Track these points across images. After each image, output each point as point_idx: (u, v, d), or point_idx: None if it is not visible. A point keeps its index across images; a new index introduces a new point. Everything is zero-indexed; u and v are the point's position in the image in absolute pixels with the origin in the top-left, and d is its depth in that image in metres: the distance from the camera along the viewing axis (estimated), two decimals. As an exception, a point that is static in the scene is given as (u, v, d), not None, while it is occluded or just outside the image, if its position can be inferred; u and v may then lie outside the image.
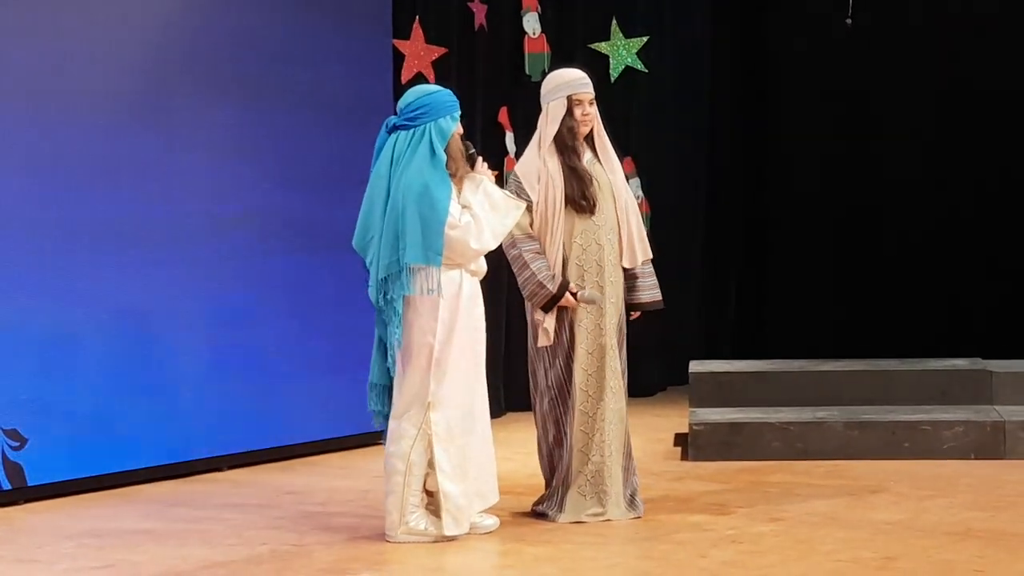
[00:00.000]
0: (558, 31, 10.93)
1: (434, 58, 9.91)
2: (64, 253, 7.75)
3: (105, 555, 6.45)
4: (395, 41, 9.65)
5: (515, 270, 6.97)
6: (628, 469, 7.06)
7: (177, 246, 8.26)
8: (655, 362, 11.42)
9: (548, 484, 7.08)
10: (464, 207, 6.59)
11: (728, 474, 8.15)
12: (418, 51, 9.84)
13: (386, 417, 6.71)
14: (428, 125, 6.60)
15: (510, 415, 10.28)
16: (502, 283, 9.63)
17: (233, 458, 8.55)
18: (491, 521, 6.80)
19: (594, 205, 6.96)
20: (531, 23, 10.68)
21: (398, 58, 9.70)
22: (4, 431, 7.52)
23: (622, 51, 11.19)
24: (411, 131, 6.60)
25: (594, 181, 6.99)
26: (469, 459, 6.62)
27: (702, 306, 12.25)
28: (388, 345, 6.61)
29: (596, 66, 10.05)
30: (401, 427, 6.58)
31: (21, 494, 7.58)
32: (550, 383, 6.99)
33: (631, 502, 7.04)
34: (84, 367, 7.84)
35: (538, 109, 7.10)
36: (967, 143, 11.96)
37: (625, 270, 7.09)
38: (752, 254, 12.61)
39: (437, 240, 6.47)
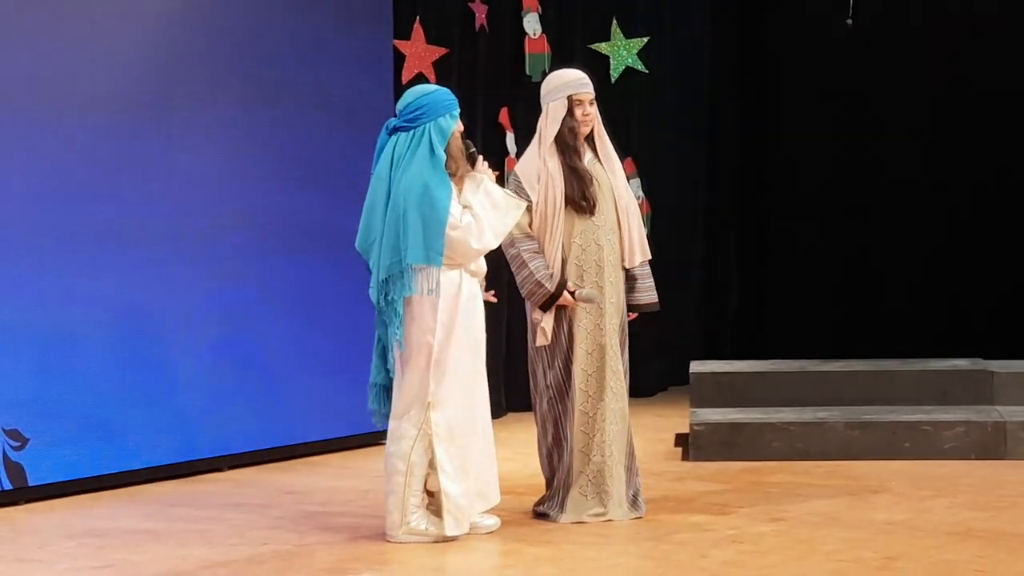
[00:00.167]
0: (559, 31, 10.92)
1: (435, 58, 9.92)
2: (65, 253, 7.75)
3: (106, 555, 6.45)
4: (396, 41, 9.65)
5: (513, 269, 6.98)
6: (631, 469, 7.06)
7: (178, 246, 8.26)
8: (655, 362, 11.42)
9: (548, 484, 7.08)
10: (465, 207, 6.59)
11: (729, 474, 8.15)
12: (419, 51, 9.84)
13: (386, 416, 6.71)
14: (427, 125, 6.60)
15: (511, 415, 10.28)
16: (503, 283, 9.62)
17: (234, 458, 8.55)
18: (492, 521, 6.80)
19: (594, 205, 6.96)
20: (532, 23, 10.68)
21: (399, 58, 9.70)
22: (5, 431, 7.52)
23: (622, 51, 11.19)
24: (411, 132, 6.61)
25: (594, 181, 6.99)
26: (470, 459, 6.62)
27: (702, 306, 12.24)
28: (388, 345, 6.61)
29: (596, 66, 10.05)
30: (402, 427, 6.58)
31: (22, 494, 7.58)
32: (549, 383, 6.99)
33: (633, 502, 7.04)
34: (85, 367, 7.84)
35: (539, 110, 7.10)
36: (967, 143, 11.95)
37: (625, 271, 7.09)
38: (752, 254, 12.60)
39: (438, 240, 6.48)
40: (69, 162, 7.77)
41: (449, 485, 6.54)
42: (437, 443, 6.54)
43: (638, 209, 7.20)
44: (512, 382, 10.28)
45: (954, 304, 12.06)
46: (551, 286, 6.87)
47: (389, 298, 6.53)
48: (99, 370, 7.90)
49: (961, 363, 9.44)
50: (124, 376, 8.00)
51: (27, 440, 7.60)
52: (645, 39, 11.23)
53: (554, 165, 6.97)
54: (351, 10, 9.21)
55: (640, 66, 11.22)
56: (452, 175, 6.62)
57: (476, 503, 6.67)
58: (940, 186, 12.06)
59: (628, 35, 11.21)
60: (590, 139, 7.06)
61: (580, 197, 6.94)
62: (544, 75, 7.99)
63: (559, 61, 9.99)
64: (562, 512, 6.94)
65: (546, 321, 6.94)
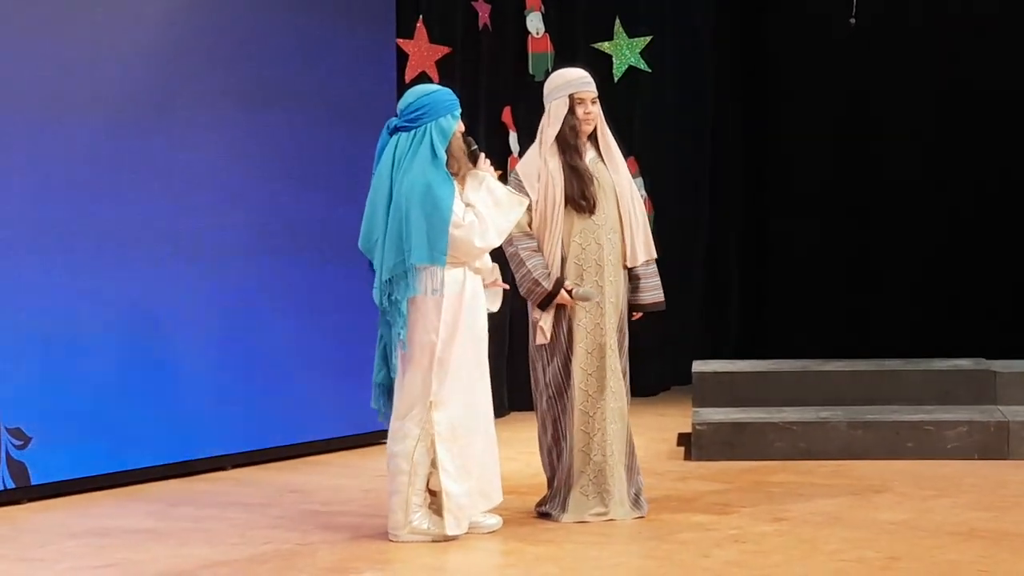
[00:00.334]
0: (561, 30, 10.92)
1: (438, 58, 9.91)
2: (68, 252, 7.75)
3: (108, 554, 6.45)
4: (399, 40, 9.65)
5: (512, 267, 6.98)
6: (632, 469, 7.06)
7: (180, 245, 8.26)
8: (658, 362, 11.42)
9: (549, 484, 7.08)
10: (468, 205, 6.59)
11: (731, 474, 8.14)
12: (422, 50, 9.84)
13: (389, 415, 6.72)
14: (429, 125, 6.59)
15: (514, 414, 10.28)
16: (505, 282, 9.62)
17: (236, 457, 8.55)
18: (494, 520, 6.80)
19: (594, 205, 6.95)
20: (534, 23, 10.68)
21: (402, 57, 9.70)
22: (8, 430, 7.52)
23: (625, 51, 11.19)
24: (412, 132, 6.60)
25: (595, 181, 6.98)
26: (472, 458, 6.61)
27: (704, 306, 12.24)
28: (391, 345, 6.60)
29: (599, 66, 10.04)
30: (404, 427, 6.57)
31: (24, 493, 7.58)
32: (548, 381, 7.00)
33: (635, 501, 7.03)
34: (87, 366, 7.83)
35: (541, 109, 7.10)
36: (967, 144, 11.96)
37: (628, 270, 7.08)
38: (754, 254, 12.60)
39: (442, 240, 6.48)
40: (71, 162, 7.77)
41: (450, 484, 6.54)
42: (439, 442, 6.53)
43: (643, 208, 7.18)
44: (514, 381, 10.28)
45: (954, 304, 12.06)
46: (548, 284, 6.87)
47: (393, 298, 6.52)
48: (101, 369, 7.90)
49: (964, 363, 9.44)
50: (126, 375, 8.00)
51: (30, 439, 7.60)
52: (648, 38, 11.22)
53: (554, 164, 6.97)
54: (354, 9, 9.21)
55: (643, 65, 11.21)
56: (454, 174, 6.62)
57: (478, 502, 6.67)
58: (940, 186, 12.06)
59: (631, 34, 11.21)
60: (593, 138, 7.06)
61: (580, 196, 6.94)
62: (547, 74, 7.98)
63: (562, 60, 9.99)
64: (564, 512, 6.94)
65: (545, 320, 6.94)
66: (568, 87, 7.00)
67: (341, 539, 6.66)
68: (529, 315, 7.05)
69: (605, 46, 11.15)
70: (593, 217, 6.97)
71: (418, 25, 9.85)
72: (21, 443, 7.57)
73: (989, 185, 11.96)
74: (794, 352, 10.58)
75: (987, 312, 11.90)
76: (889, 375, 9.27)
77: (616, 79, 11.09)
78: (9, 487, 7.52)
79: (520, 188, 6.95)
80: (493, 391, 6.85)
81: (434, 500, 6.60)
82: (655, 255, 7.15)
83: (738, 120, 12.46)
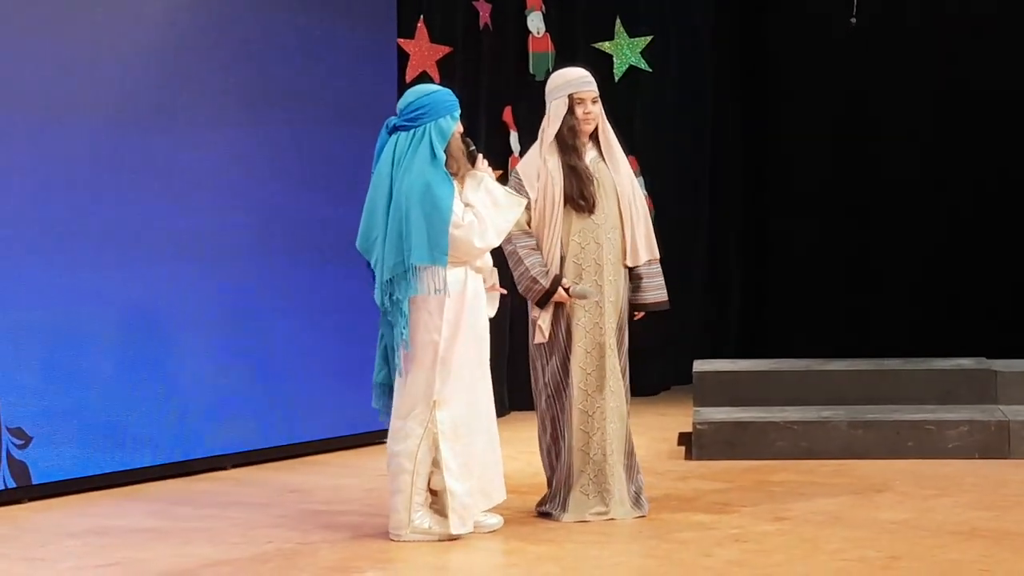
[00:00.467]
0: (562, 30, 10.93)
1: (438, 57, 9.92)
2: (69, 252, 7.75)
3: (110, 553, 6.45)
4: (400, 40, 9.65)
5: (511, 265, 6.99)
6: (631, 468, 7.06)
7: (182, 245, 8.26)
8: (659, 361, 11.43)
9: (549, 482, 7.08)
10: (467, 205, 6.59)
11: (732, 473, 8.14)
12: (422, 50, 9.84)
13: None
14: (428, 125, 6.59)
15: (514, 414, 10.28)
16: (506, 281, 9.62)
17: (237, 456, 8.56)
18: (495, 520, 6.80)
19: (593, 204, 6.95)
20: (535, 22, 10.68)
21: (403, 57, 9.70)
22: (9, 429, 7.52)
23: (626, 50, 11.19)
24: (411, 132, 6.60)
25: (595, 180, 6.98)
26: (474, 457, 6.61)
27: (705, 305, 12.25)
28: (392, 345, 6.59)
29: (600, 65, 10.05)
30: (407, 426, 6.57)
31: (26, 492, 7.58)
32: (547, 381, 7.00)
33: (636, 501, 7.03)
34: (89, 366, 7.84)
35: (542, 108, 7.10)
36: (966, 143, 11.97)
37: (630, 269, 7.08)
38: (754, 253, 12.61)
39: (442, 240, 6.48)
40: (71, 162, 7.77)
41: (454, 483, 6.54)
42: (442, 441, 6.54)
43: (646, 208, 7.17)
44: (514, 381, 10.28)
45: (953, 304, 12.06)
46: (546, 282, 6.88)
47: (394, 298, 6.52)
48: (103, 369, 7.90)
49: (965, 362, 9.44)
50: (128, 375, 8.01)
51: (31, 438, 7.60)
52: (649, 38, 11.23)
53: (554, 163, 6.97)
54: (354, 9, 9.21)
55: (644, 65, 11.22)
56: (453, 175, 6.62)
57: (480, 502, 6.67)
58: (939, 186, 12.07)
59: (632, 34, 11.21)
60: (595, 137, 7.06)
61: (578, 196, 6.94)
62: (548, 74, 7.99)
63: (563, 60, 10.00)
64: (564, 512, 6.94)
65: (543, 318, 6.95)
66: (568, 87, 7.00)
67: (343, 538, 6.66)
68: (529, 314, 7.06)
69: (606, 46, 11.16)
70: (592, 217, 6.97)
71: (419, 25, 9.85)
72: (22, 443, 7.57)
73: (988, 184, 11.97)
74: (794, 352, 10.59)
75: (986, 312, 11.91)
76: (890, 374, 9.27)
77: (617, 79, 11.10)
78: (10, 486, 7.52)
79: (520, 187, 6.96)
80: (493, 391, 6.85)
81: (435, 500, 6.61)
82: (658, 255, 7.14)
83: (738, 120, 12.47)
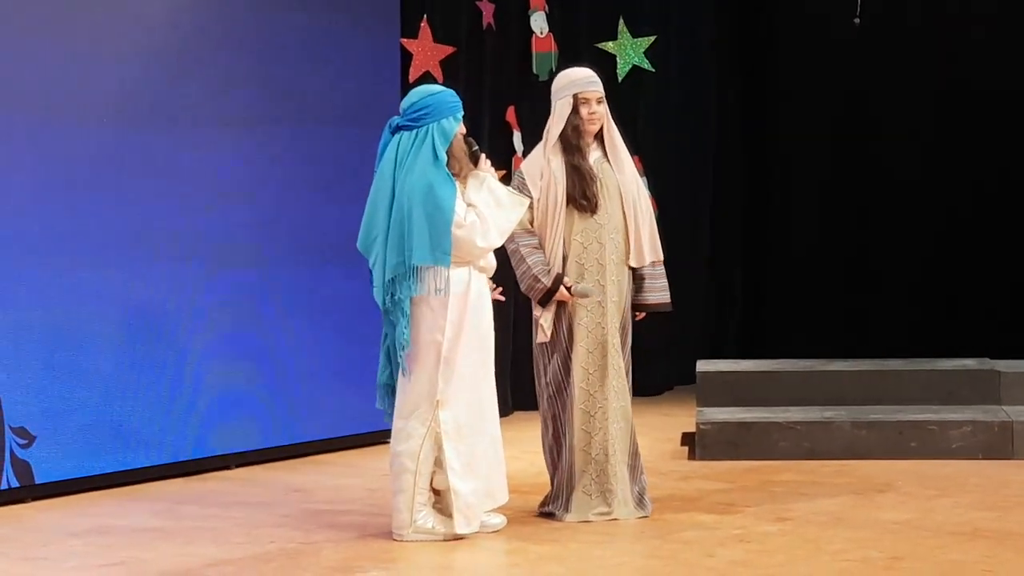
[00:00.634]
0: (565, 30, 10.92)
1: (442, 57, 9.91)
2: (69, 252, 7.75)
3: (113, 553, 6.45)
4: (403, 40, 9.65)
5: (513, 264, 6.99)
6: (635, 468, 7.05)
7: (184, 244, 8.26)
8: (662, 361, 11.41)
9: (551, 481, 7.08)
10: (469, 205, 6.59)
11: (735, 473, 8.14)
12: (426, 50, 9.84)
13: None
14: (431, 126, 6.59)
15: (517, 414, 10.28)
16: (509, 281, 9.63)
17: (241, 456, 8.56)
18: (498, 520, 6.80)
19: (596, 204, 6.95)
20: (538, 22, 10.67)
21: (406, 57, 9.70)
22: (12, 429, 7.52)
23: (629, 51, 11.18)
24: (414, 132, 6.60)
25: (598, 180, 6.98)
26: (477, 457, 6.61)
27: (708, 305, 12.24)
28: (394, 345, 6.59)
29: (604, 65, 10.04)
30: (410, 426, 6.57)
31: (29, 492, 7.59)
32: (548, 380, 7.00)
33: (639, 501, 7.03)
34: (92, 365, 7.84)
35: (546, 108, 7.11)
36: (966, 143, 11.95)
37: (633, 270, 7.08)
38: (756, 253, 12.60)
39: (445, 240, 6.48)
40: (77, 162, 7.77)
41: (458, 483, 6.54)
42: (445, 441, 6.54)
43: (651, 209, 7.16)
44: (517, 381, 10.28)
45: (953, 304, 12.05)
46: (548, 281, 6.88)
47: (396, 298, 6.52)
48: (106, 368, 7.90)
49: (968, 363, 9.44)
50: (131, 374, 8.01)
51: (34, 438, 7.60)
52: (652, 38, 11.22)
53: (557, 163, 6.97)
54: (359, 9, 9.21)
55: (647, 65, 11.21)
56: (456, 175, 6.62)
57: (484, 502, 6.67)
58: (939, 186, 12.05)
59: (635, 34, 11.21)
60: (600, 138, 7.05)
61: (581, 196, 6.94)
62: (551, 74, 8.01)
63: (566, 60, 9.99)
64: (567, 512, 6.94)
65: (545, 317, 6.95)
66: (572, 87, 7.00)
67: (346, 538, 6.66)
68: (532, 313, 7.06)
69: (609, 46, 11.15)
70: (595, 217, 6.96)
71: (422, 25, 9.85)
72: (25, 442, 7.57)
73: (988, 185, 11.95)
74: (798, 352, 10.58)
75: (986, 312, 11.90)
76: (893, 375, 9.26)
77: (620, 79, 11.08)
78: (13, 486, 7.52)
79: (523, 186, 6.96)
80: (497, 390, 6.84)
81: (438, 499, 6.61)
82: (662, 256, 7.13)
83: (737, 120, 12.45)
